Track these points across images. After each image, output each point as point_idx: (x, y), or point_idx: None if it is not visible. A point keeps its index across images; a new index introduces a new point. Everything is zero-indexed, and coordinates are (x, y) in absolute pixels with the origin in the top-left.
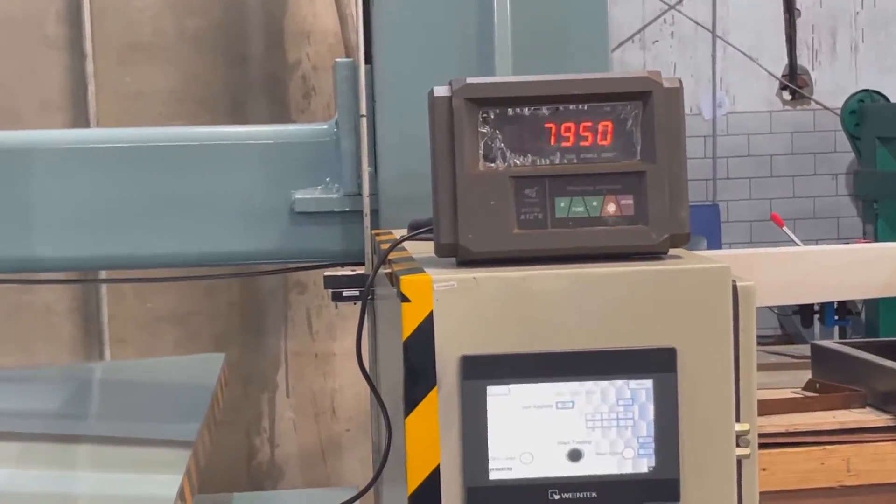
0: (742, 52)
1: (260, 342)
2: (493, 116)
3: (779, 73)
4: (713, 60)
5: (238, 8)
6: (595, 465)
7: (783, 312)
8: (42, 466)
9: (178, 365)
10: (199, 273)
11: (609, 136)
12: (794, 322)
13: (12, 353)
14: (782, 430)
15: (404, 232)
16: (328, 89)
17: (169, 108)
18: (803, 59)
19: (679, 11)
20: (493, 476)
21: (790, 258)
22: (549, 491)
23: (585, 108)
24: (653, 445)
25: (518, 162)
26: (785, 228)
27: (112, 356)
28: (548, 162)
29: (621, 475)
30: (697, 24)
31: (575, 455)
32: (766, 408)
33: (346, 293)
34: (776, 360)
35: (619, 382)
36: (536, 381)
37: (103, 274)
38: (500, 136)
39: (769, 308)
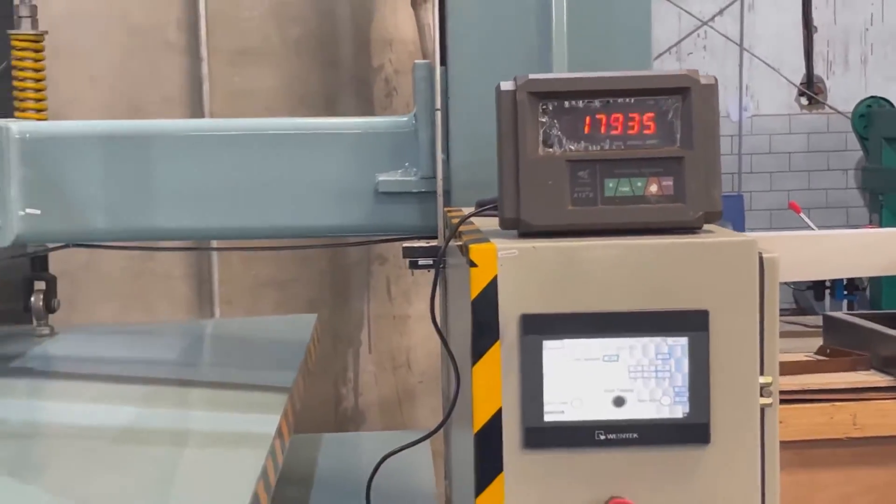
0: (766, 62)
1: (346, 305)
2: (551, 108)
3: (797, 82)
4: (740, 70)
5: (331, 19)
6: (636, 410)
7: (798, 288)
8: (162, 406)
9: (278, 323)
10: (295, 244)
11: (652, 126)
12: (808, 297)
13: (138, 311)
14: (796, 388)
15: (472, 210)
16: (407, 89)
17: (272, 105)
18: (819, 70)
19: (711, 27)
20: (547, 418)
21: (805, 241)
22: (596, 431)
23: (632, 101)
24: (687, 394)
25: (573, 147)
26: (801, 214)
27: (221, 315)
28: (598, 148)
29: (659, 419)
30: (727, 38)
31: (619, 401)
32: (783, 369)
33: (421, 262)
34: (792, 329)
35: (658, 339)
36: (586, 337)
37: (215, 243)
38: (557, 125)
39: (786, 284)
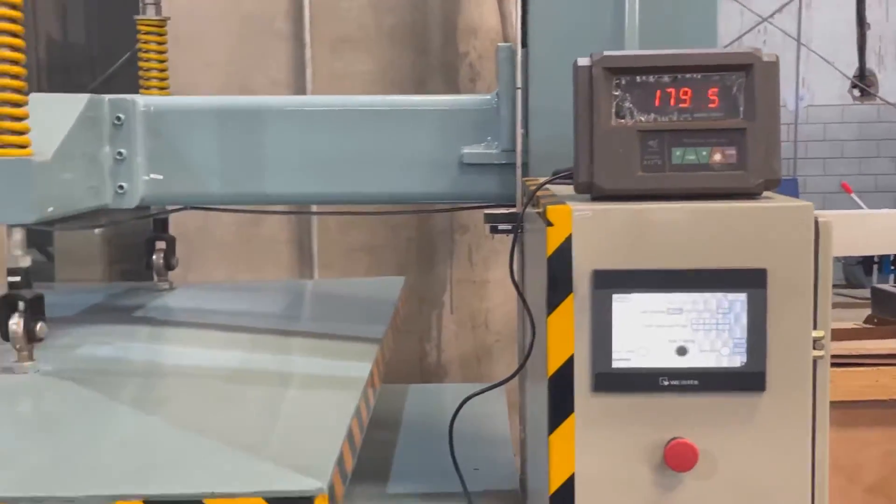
0: (821, 56)
1: (431, 270)
2: (624, 82)
3: (851, 75)
4: (797, 63)
5: (422, 9)
6: (698, 359)
7: (848, 263)
8: (267, 352)
9: (370, 284)
10: (387, 210)
11: (717, 100)
12: (857, 271)
13: (246, 273)
14: (845, 353)
15: (548, 178)
16: (490, 74)
17: (368, 89)
18: (871, 63)
19: (771, 24)
20: (615, 364)
21: (856, 219)
22: (660, 378)
23: (699, 76)
24: (745, 345)
25: (643, 119)
26: (853, 195)
27: (319, 277)
28: (667, 119)
29: (718, 368)
30: (785, 33)
31: (682, 351)
32: (833, 336)
33: (501, 227)
34: (842, 300)
35: (720, 295)
36: (653, 292)
37: (314, 208)
38: (629, 98)
39: (837, 259)
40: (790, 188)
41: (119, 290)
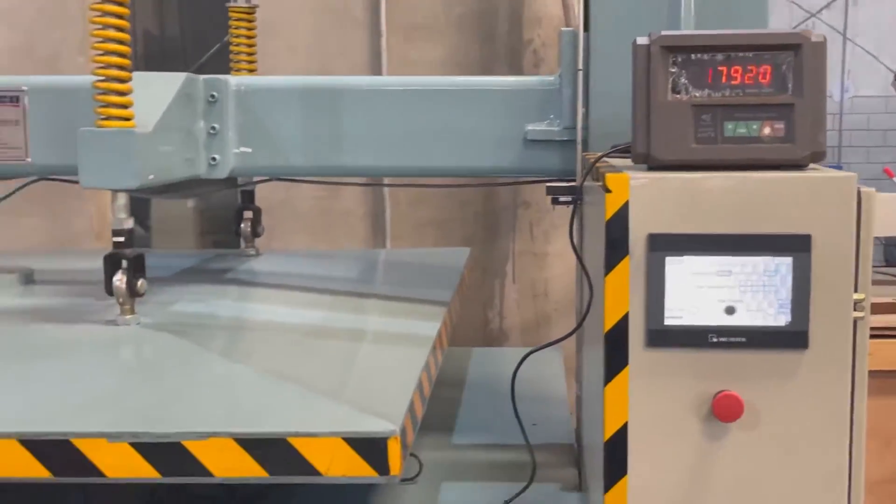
0: (866, 50)
1: (495, 243)
2: (680, 60)
3: (895, 68)
4: (843, 56)
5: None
6: (745, 318)
7: (889, 243)
8: (343, 311)
9: (438, 254)
10: (453, 182)
11: (768, 77)
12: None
13: (323, 243)
14: (883, 325)
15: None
16: (552, 60)
17: (437, 74)
18: None
19: (818, 19)
20: (667, 321)
21: None
22: (709, 335)
23: (751, 55)
24: (790, 306)
25: (697, 94)
26: (894, 178)
27: (391, 248)
28: (720, 95)
29: (765, 326)
30: (832, 28)
31: (730, 310)
32: (872, 309)
33: (561, 199)
34: (882, 278)
35: (767, 258)
36: (704, 255)
37: (386, 181)
38: (684, 75)
39: (877, 239)
40: None
41: (210, 256)
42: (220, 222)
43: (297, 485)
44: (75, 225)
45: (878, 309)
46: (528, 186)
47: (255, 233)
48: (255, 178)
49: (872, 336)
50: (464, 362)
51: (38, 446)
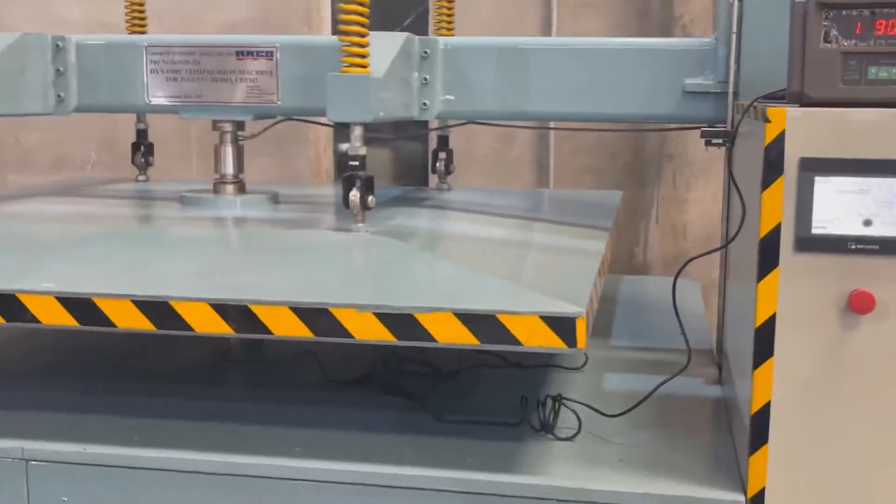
0: None
1: (642, 189)
2: (832, 14)
3: None
4: None
5: None
6: (880, 229)
7: None
8: (525, 230)
9: (596, 194)
10: (620, 127)
11: None
12: None
13: (497, 186)
14: None
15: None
16: (699, 34)
17: None
18: None
19: None
20: (814, 231)
21: None
22: (849, 242)
23: (893, 10)
24: None
25: (846, 44)
26: None
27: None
28: (865, 44)
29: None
30: None
31: (867, 223)
32: None
33: (713, 140)
34: None
35: None
36: (847, 176)
37: (552, 125)
38: (835, 27)
39: None
40: None
41: (412, 189)
42: (410, 170)
43: (486, 367)
44: (297, 166)
45: None
46: (674, 141)
47: (448, 171)
48: (450, 123)
49: None
50: (616, 286)
51: (303, 313)
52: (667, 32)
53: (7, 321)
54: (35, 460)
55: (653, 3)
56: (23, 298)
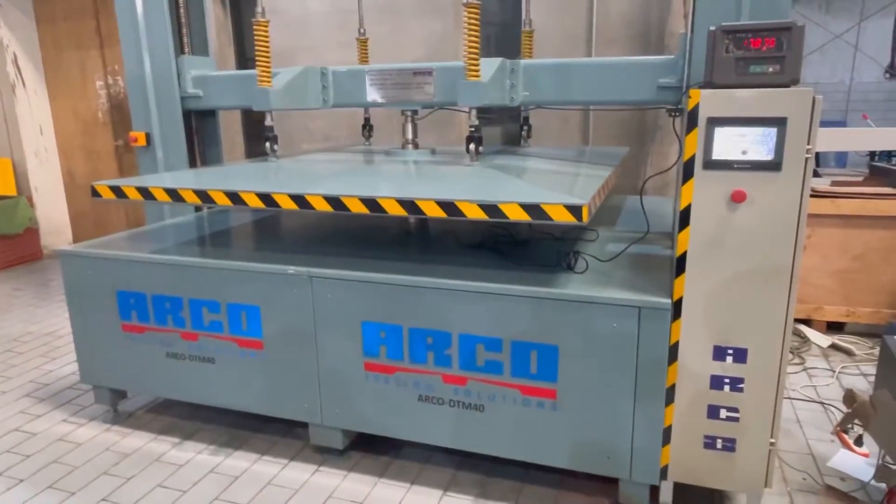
0: (866, 54)
1: (642, 146)
2: (730, 37)
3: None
4: (853, 58)
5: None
6: (751, 156)
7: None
8: (559, 166)
9: (613, 149)
10: (625, 108)
11: (772, 44)
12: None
13: (558, 144)
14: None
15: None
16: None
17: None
18: None
19: (839, 37)
20: (714, 157)
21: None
22: (733, 164)
23: (761, 33)
24: (773, 151)
25: (737, 53)
26: (867, 119)
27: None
28: (749, 53)
29: (760, 160)
30: (846, 42)
31: (744, 153)
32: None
33: (673, 113)
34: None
35: (765, 128)
36: (733, 127)
37: (591, 108)
38: (732, 43)
39: (860, 153)
40: None
41: (508, 146)
42: (509, 137)
43: (543, 239)
44: (448, 136)
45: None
46: (661, 117)
47: (529, 135)
48: (530, 108)
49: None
50: (623, 201)
51: (443, 204)
52: (659, 55)
53: (299, 208)
54: (316, 277)
55: (652, 39)
56: (309, 198)
